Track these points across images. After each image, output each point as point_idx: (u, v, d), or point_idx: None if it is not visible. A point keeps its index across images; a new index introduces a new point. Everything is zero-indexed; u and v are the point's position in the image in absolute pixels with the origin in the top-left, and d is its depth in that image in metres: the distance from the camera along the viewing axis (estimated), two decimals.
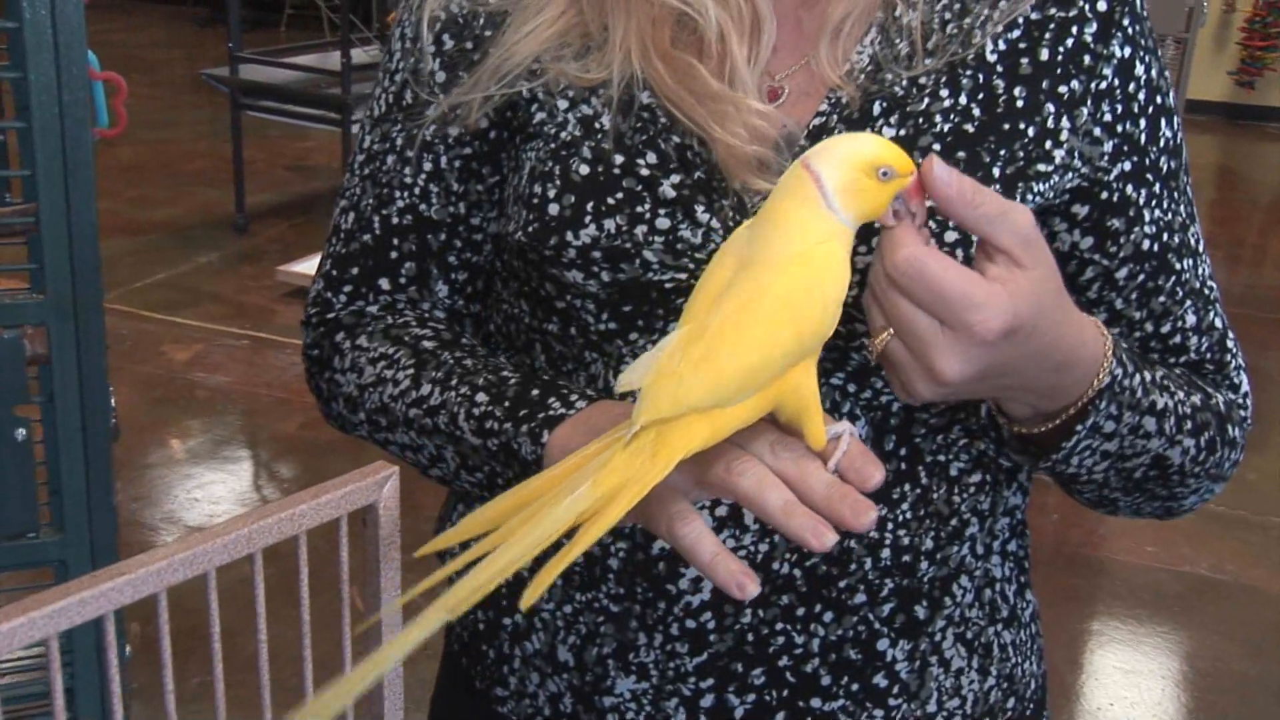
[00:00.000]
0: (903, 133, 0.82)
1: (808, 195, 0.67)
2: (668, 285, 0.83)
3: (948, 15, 0.85)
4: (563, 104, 0.86)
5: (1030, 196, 0.83)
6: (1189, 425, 0.85)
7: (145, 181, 5.97)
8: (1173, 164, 0.89)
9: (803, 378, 0.67)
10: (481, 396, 0.84)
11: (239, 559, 1.12)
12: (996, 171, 0.82)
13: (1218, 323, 0.92)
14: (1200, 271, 0.91)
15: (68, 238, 1.11)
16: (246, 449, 3.79)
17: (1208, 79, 8.09)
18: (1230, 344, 0.93)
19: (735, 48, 0.83)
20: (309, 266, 4.59)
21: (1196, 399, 0.87)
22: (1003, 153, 0.83)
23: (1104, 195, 0.87)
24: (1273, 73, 8.06)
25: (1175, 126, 0.89)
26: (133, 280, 4.86)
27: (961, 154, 0.82)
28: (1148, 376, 0.82)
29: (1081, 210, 0.87)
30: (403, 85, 0.92)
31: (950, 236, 0.80)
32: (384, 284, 0.94)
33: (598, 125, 0.85)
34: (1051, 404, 0.77)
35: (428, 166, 0.91)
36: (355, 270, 0.95)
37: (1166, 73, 0.90)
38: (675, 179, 0.83)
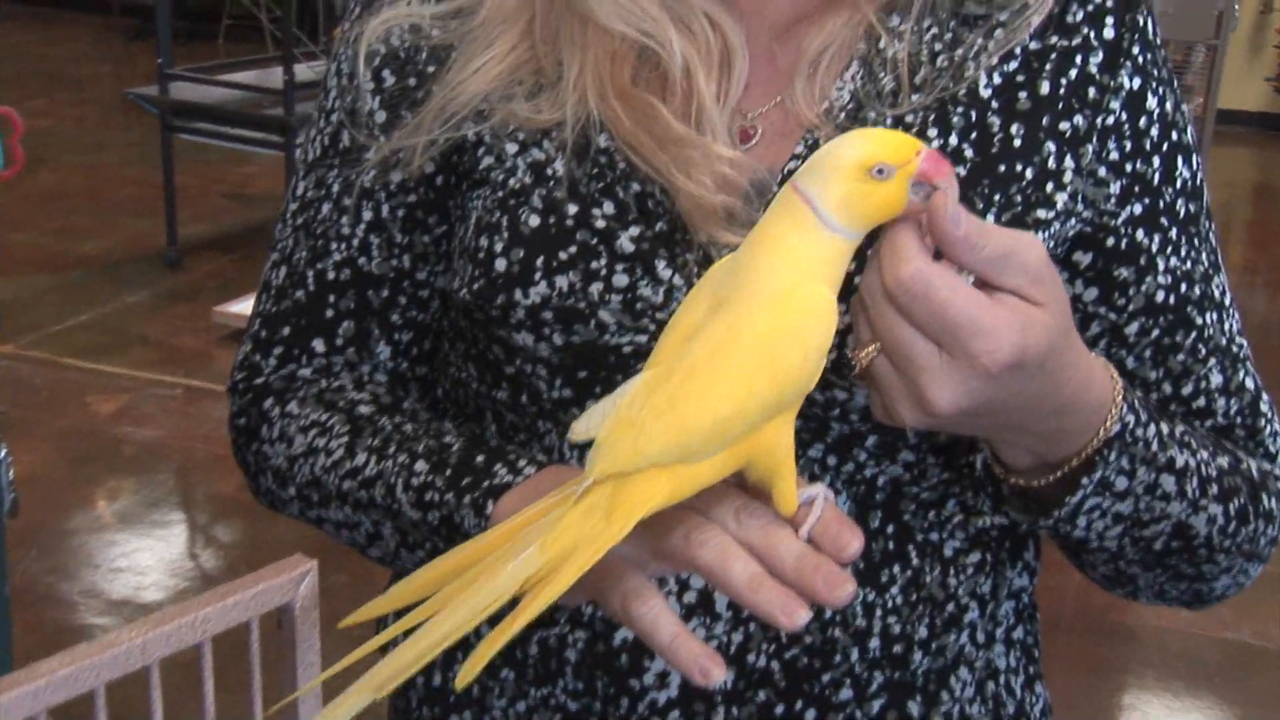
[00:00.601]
0: None
1: (799, 217, 0.66)
2: (626, 349, 0.82)
3: (938, 46, 0.85)
4: (512, 148, 0.86)
5: None
6: (1215, 489, 0.84)
7: (70, 211, 5.96)
8: (1191, 207, 0.89)
9: (777, 434, 0.66)
10: (421, 465, 0.84)
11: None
12: (991, 219, 0.82)
13: (1249, 383, 0.91)
14: (1226, 327, 0.90)
15: None
16: (180, 511, 3.77)
17: (1242, 87, 8.14)
18: (1265, 407, 0.92)
19: (702, 84, 0.83)
20: (248, 306, 4.57)
21: (1224, 461, 0.86)
22: (998, 198, 0.82)
23: (1110, 241, 0.86)
24: None
25: (1194, 165, 0.89)
26: (53, 323, 4.84)
27: None
28: (1165, 429, 0.81)
29: (1085, 258, 0.87)
30: (339, 126, 0.92)
31: None
32: (319, 345, 0.94)
33: (550, 171, 0.85)
34: (1053, 451, 0.76)
35: (367, 216, 0.91)
36: (287, 330, 0.94)
37: (1184, 106, 0.90)
38: (634, 231, 0.82)
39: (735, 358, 0.65)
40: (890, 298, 0.66)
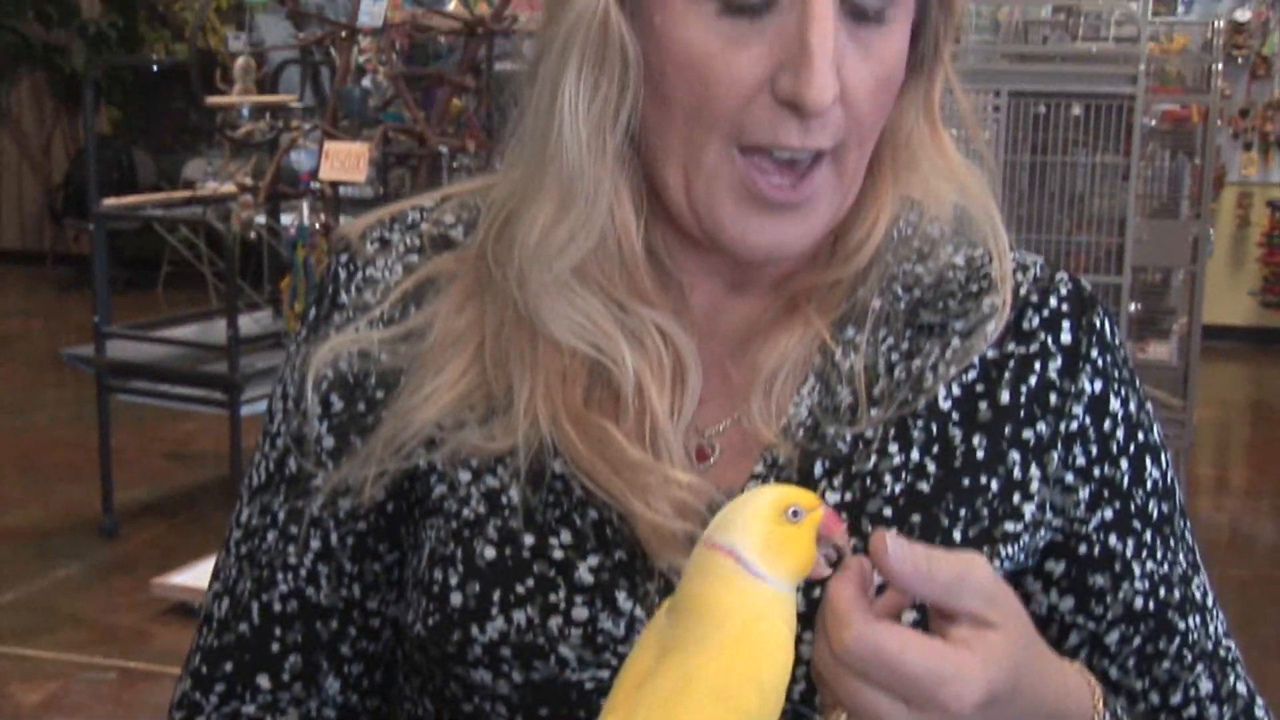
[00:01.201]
0: (849, 496, 0.86)
1: (727, 572, 0.69)
2: (588, 685, 0.84)
3: (894, 357, 0.90)
4: (465, 476, 0.89)
5: (998, 562, 0.86)
6: None
7: None
8: (1164, 507, 0.92)
9: None
10: None
11: None
12: (957, 535, 0.85)
13: (1240, 688, 0.94)
14: (1211, 630, 0.93)
15: None
16: None
17: (1228, 301, 8.37)
18: (1260, 712, 0.94)
19: (655, 400, 0.87)
20: (191, 577, 4.55)
21: None
22: (963, 512, 0.86)
23: (1083, 549, 0.90)
24: None
25: (1164, 464, 0.93)
26: None
27: (917, 517, 0.85)
28: None
29: (1058, 567, 0.90)
30: (284, 452, 0.95)
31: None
32: (264, 682, 0.95)
33: (504, 500, 0.88)
34: None
35: (315, 545, 0.93)
36: (229, 666, 0.95)
37: (1149, 405, 0.95)
38: (593, 561, 0.85)
39: (690, 704, 0.67)
40: (844, 664, 0.69)
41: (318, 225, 4.27)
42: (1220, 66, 4.29)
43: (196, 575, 4.37)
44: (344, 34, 4.22)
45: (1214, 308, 8.27)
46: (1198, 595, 0.93)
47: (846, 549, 0.71)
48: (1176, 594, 0.92)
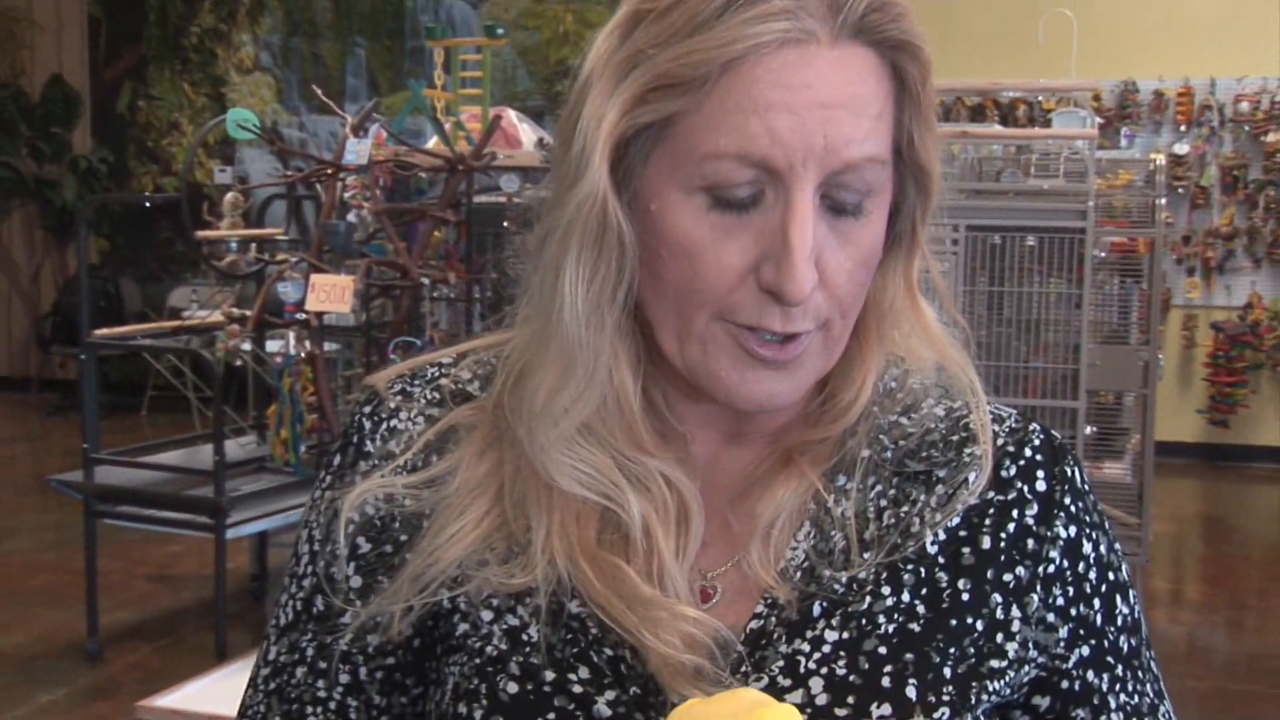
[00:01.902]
0: (845, 635, 0.89)
1: None
2: None
3: (883, 503, 0.93)
4: (487, 615, 0.92)
5: (986, 696, 0.89)
6: None
7: None
8: (1133, 641, 0.96)
9: None
10: None
11: None
12: (948, 672, 0.88)
13: None
14: None
15: None
16: None
17: (1177, 420, 8.45)
18: None
19: (662, 541, 0.90)
20: (175, 699, 4.50)
21: None
22: (953, 651, 0.89)
23: (1065, 684, 0.93)
24: (1246, 409, 8.43)
25: (1131, 601, 0.97)
26: None
27: (910, 655, 0.88)
28: None
29: (1043, 702, 0.93)
30: (312, 592, 0.97)
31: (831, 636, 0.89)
32: None
33: (525, 637, 0.90)
34: None
35: (345, 679, 0.95)
36: None
37: (1118, 545, 0.99)
38: (610, 695, 0.88)
39: None
40: None
41: (303, 354, 4.30)
42: (1164, 200, 4.40)
43: (182, 698, 4.32)
44: (330, 171, 4.28)
45: (1165, 426, 8.37)
46: None
47: None
48: None
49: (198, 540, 5.67)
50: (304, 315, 4.19)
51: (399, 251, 4.09)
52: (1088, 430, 3.73)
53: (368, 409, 1.00)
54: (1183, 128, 8.41)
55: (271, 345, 4.46)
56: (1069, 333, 3.91)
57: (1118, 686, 0.95)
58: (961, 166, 4.62)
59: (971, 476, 0.93)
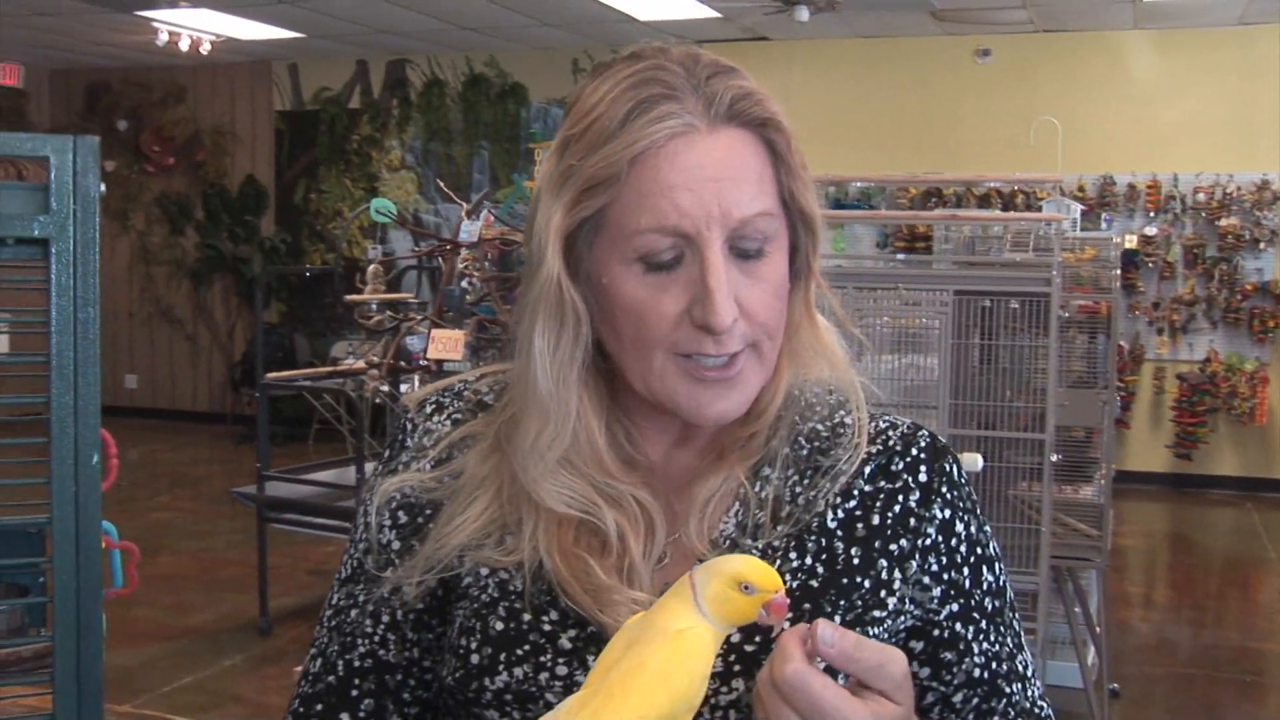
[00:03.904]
0: None
1: (686, 598, 0.79)
2: None
3: (797, 489, 0.97)
4: (485, 571, 0.97)
5: (870, 633, 0.93)
6: None
7: (182, 590, 6.04)
8: (996, 603, 0.99)
9: None
10: None
11: None
12: (838, 619, 0.92)
13: None
14: (1029, 694, 0.99)
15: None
16: None
17: (1148, 453, 8.34)
18: None
19: (633, 546, 0.94)
20: None
21: None
22: (842, 603, 0.92)
23: (936, 633, 0.96)
24: (1206, 445, 8.28)
25: (997, 571, 0.99)
26: (162, 685, 4.84)
27: (807, 605, 0.92)
28: None
29: (918, 645, 0.96)
30: (364, 553, 1.03)
31: None
32: (344, 718, 1.01)
33: (512, 588, 0.95)
34: None
35: (385, 619, 1.00)
36: (320, 707, 1.02)
37: (987, 526, 1.01)
38: (572, 633, 0.92)
39: (640, 682, 0.77)
40: (777, 690, 0.76)
41: None
42: (1118, 272, 4.37)
43: None
44: (449, 246, 4.38)
45: (1138, 458, 8.27)
46: (1020, 668, 0.99)
47: (778, 628, 0.80)
48: (1004, 667, 0.97)
49: (347, 542, 5.76)
50: (426, 362, 4.27)
51: (502, 311, 4.16)
52: (1054, 458, 3.69)
53: (410, 414, 1.06)
54: (1152, 214, 8.31)
55: (404, 387, 4.54)
56: (1042, 379, 3.88)
57: (981, 637, 0.97)
58: (955, 242, 4.63)
59: (844, 457, 0.97)
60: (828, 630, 0.77)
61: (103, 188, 1.12)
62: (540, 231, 0.92)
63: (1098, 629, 4.29)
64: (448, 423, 1.04)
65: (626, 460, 0.98)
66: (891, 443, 0.99)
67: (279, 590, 5.71)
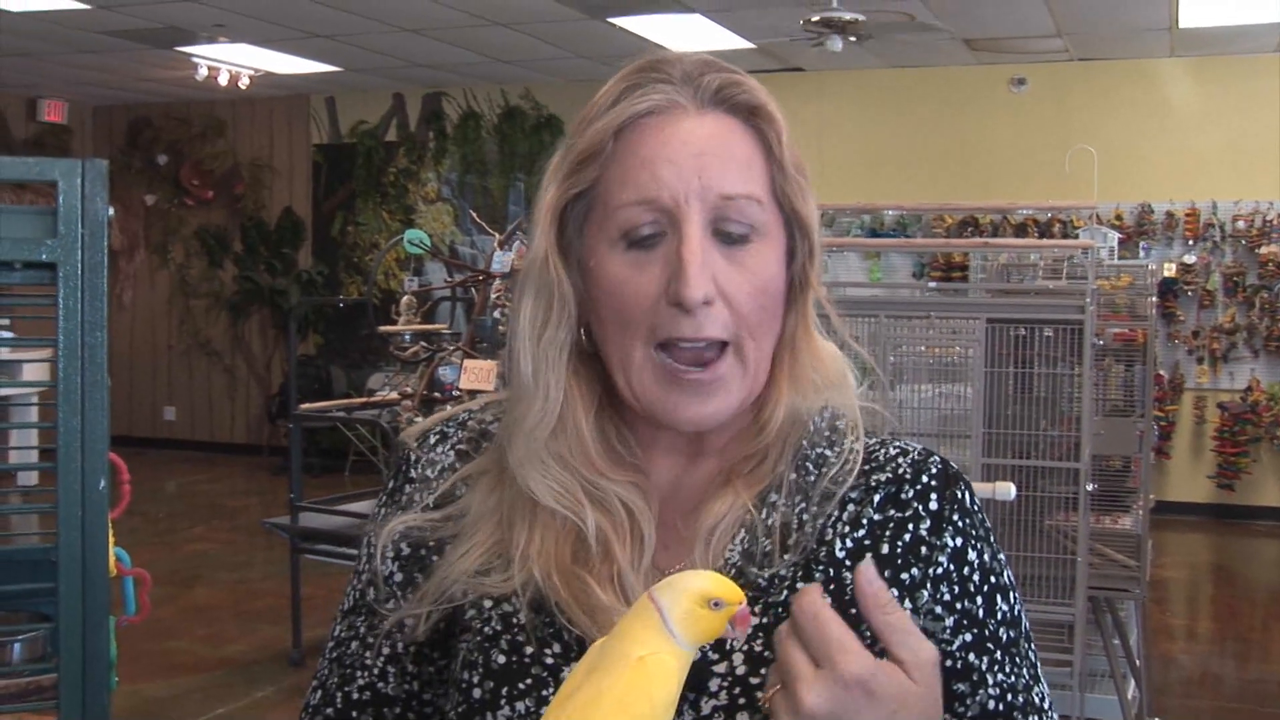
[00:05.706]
0: (765, 620, 0.90)
1: (650, 621, 0.76)
2: None
3: (804, 516, 0.95)
4: (488, 603, 0.95)
5: None
6: None
7: (217, 621, 6.06)
8: (1011, 633, 0.95)
9: None
10: None
11: None
12: None
13: None
14: None
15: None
16: None
17: (1190, 483, 8.21)
18: None
19: (619, 553, 0.93)
20: None
21: None
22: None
23: (948, 664, 0.93)
24: (1249, 475, 8.14)
25: (1012, 600, 0.96)
26: (194, 716, 4.85)
27: None
28: None
29: None
30: (367, 584, 1.02)
31: None
32: None
33: (515, 621, 0.94)
34: None
35: (386, 651, 0.99)
36: None
37: (1000, 555, 0.98)
38: (574, 665, 0.90)
39: (599, 711, 0.74)
40: (792, 621, 0.75)
41: None
42: (1155, 299, 4.31)
43: None
44: (482, 277, 4.38)
45: (1179, 488, 8.14)
46: (1036, 700, 0.95)
47: (741, 639, 0.79)
48: (1020, 699, 0.94)
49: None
50: (459, 392, 4.27)
51: None
52: (1090, 487, 3.64)
53: (414, 444, 1.05)
54: (1190, 242, 8.21)
55: None
56: (1078, 407, 3.83)
57: (995, 668, 0.94)
58: (990, 271, 4.59)
59: (844, 481, 0.96)
60: (871, 569, 0.76)
61: (111, 212, 1.12)
62: (536, 210, 0.95)
63: (1138, 662, 4.21)
64: (451, 453, 1.03)
65: (615, 458, 0.97)
66: (901, 470, 0.97)
67: (312, 621, 5.70)
